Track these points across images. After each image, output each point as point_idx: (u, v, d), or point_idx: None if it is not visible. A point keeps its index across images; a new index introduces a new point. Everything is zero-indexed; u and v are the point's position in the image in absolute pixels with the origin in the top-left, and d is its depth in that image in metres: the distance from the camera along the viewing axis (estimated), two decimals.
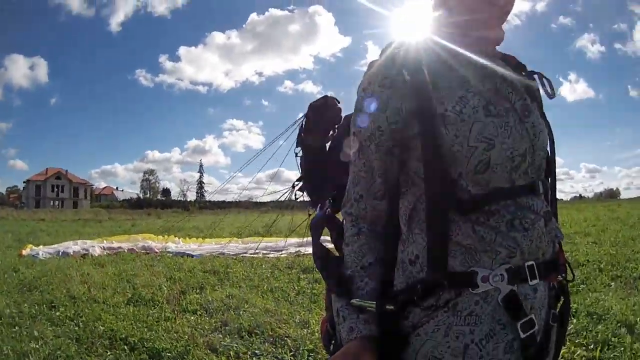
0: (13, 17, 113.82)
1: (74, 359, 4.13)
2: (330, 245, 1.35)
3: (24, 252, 11.49)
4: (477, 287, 1.04)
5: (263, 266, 8.78)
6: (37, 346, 4.33)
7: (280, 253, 10.27)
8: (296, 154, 1.70)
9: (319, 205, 1.50)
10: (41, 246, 12.61)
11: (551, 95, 1.24)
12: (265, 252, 10.44)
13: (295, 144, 1.71)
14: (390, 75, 1.11)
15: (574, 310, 4.80)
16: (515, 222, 1.06)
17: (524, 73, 1.22)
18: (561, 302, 1.23)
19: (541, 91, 1.25)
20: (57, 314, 5.49)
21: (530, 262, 1.07)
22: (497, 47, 1.23)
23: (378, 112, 1.12)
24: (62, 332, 4.77)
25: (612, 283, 6.21)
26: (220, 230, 18.44)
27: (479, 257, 1.05)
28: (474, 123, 1.06)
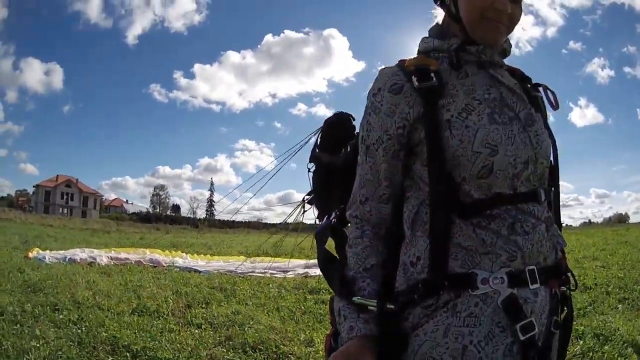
0: (31, 20, 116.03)
1: None
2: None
3: (30, 255, 11.51)
4: (477, 288, 1.06)
5: (270, 285, 8.67)
6: (37, 345, 4.28)
7: (288, 273, 10.18)
8: (309, 169, 1.71)
9: (326, 216, 1.52)
10: (48, 251, 12.63)
11: (555, 106, 1.29)
12: (272, 272, 10.31)
13: (308, 159, 1.71)
14: (400, 82, 1.16)
15: (580, 332, 4.83)
16: (516, 226, 1.08)
17: (529, 85, 1.28)
18: (565, 312, 1.23)
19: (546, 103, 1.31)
20: (61, 316, 5.42)
21: (531, 267, 1.09)
22: (505, 61, 1.27)
23: (386, 116, 1.16)
24: (64, 334, 4.70)
25: (620, 305, 6.16)
26: (229, 249, 18.40)
27: (479, 259, 1.07)
28: (478, 129, 1.10)
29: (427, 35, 1.30)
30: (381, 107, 1.17)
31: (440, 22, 1.31)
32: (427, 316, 1.08)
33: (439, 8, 1.30)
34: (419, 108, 1.13)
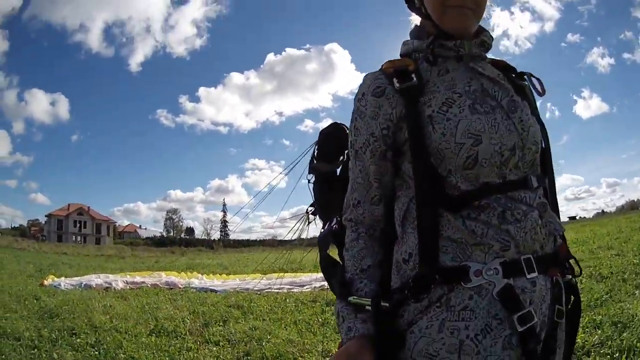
0: (33, 52, 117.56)
1: None
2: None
3: (45, 282, 11.54)
4: (470, 281, 1.05)
5: (287, 300, 8.58)
6: None
7: (304, 287, 10.11)
8: (308, 181, 1.76)
9: (327, 222, 1.55)
10: (63, 277, 12.66)
11: (542, 93, 1.29)
12: (289, 287, 10.25)
13: (307, 171, 1.76)
14: (382, 85, 1.19)
15: (598, 322, 4.77)
16: (506, 214, 1.08)
17: (514, 75, 1.29)
18: (571, 300, 1.22)
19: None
20: (78, 340, 5.41)
21: (526, 255, 1.08)
22: (505, 59, 1.31)
23: (371, 119, 1.19)
24: (82, 357, 4.72)
25: (636, 292, 6.00)
26: (245, 267, 18.37)
27: (470, 251, 1.07)
28: (460, 120, 1.11)
29: (409, 38, 1.33)
30: (366, 111, 1.20)
31: (417, 24, 1.33)
32: (421, 312, 1.08)
33: (414, 14, 1.33)
34: (401, 108, 1.16)
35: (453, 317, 1.04)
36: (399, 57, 1.31)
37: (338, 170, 1.71)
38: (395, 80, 1.17)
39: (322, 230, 1.69)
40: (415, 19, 1.35)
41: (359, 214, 1.26)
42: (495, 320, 1.03)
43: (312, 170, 1.73)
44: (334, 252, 1.41)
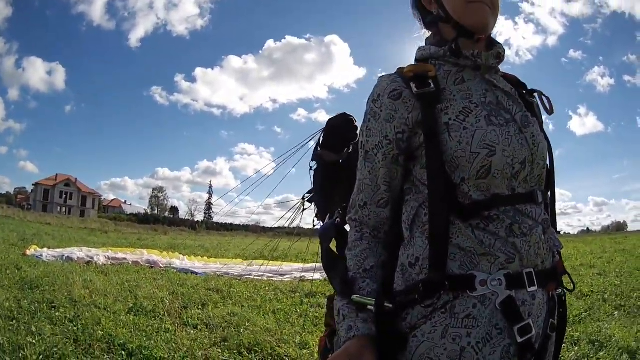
0: (35, 20, 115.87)
1: (69, 357, 4.04)
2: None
3: (27, 252, 11.51)
4: (475, 290, 1.07)
5: (266, 288, 8.65)
6: (33, 341, 4.26)
7: (284, 277, 10.16)
8: (311, 167, 1.75)
9: (329, 215, 1.56)
10: (45, 248, 12.65)
11: (550, 111, 1.31)
12: (269, 275, 10.32)
13: (311, 157, 1.76)
14: (399, 88, 1.18)
15: (575, 338, 4.90)
16: (514, 227, 1.09)
17: (524, 91, 1.31)
18: (558, 312, 1.24)
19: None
20: (57, 314, 5.41)
21: (528, 269, 1.10)
22: (506, 69, 1.31)
23: (386, 122, 1.19)
24: (60, 332, 4.69)
25: (616, 312, 6.16)
26: (226, 252, 18.39)
27: (478, 260, 1.08)
28: (476, 131, 1.12)
29: (425, 44, 1.33)
30: (381, 113, 1.19)
31: (435, 31, 1.34)
32: (425, 317, 1.09)
33: (428, 30, 1.36)
34: (417, 113, 1.16)
35: (456, 324, 1.06)
36: (416, 63, 1.30)
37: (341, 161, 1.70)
38: (413, 84, 1.18)
39: (316, 217, 1.72)
40: (426, 34, 1.37)
41: (365, 216, 1.26)
42: (496, 329, 1.05)
43: (315, 157, 1.72)
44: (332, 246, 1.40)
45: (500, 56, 1.26)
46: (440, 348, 1.06)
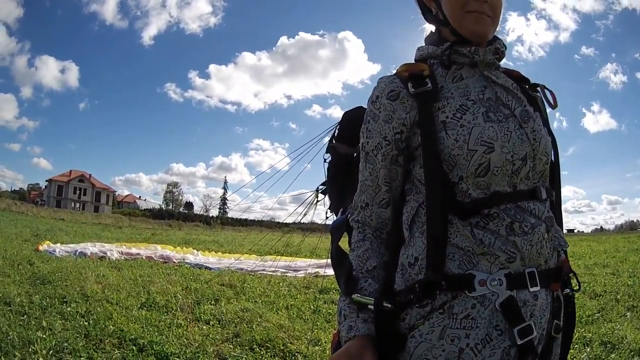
0: (46, 20, 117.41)
1: (80, 352, 4.01)
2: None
3: (40, 248, 11.57)
4: (474, 290, 1.05)
5: (280, 284, 8.60)
6: (44, 336, 4.25)
7: (299, 272, 10.10)
8: (325, 160, 1.74)
9: (341, 210, 1.55)
10: (59, 244, 12.70)
11: (554, 105, 1.30)
12: (283, 270, 10.27)
13: (325, 150, 1.75)
14: (397, 89, 1.19)
15: (587, 339, 4.81)
16: (514, 226, 1.08)
17: (527, 86, 1.30)
18: (564, 312, 1.21)
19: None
20: (68, 309, 5.39)
21: (530, 269, 1.09)
22: (516, 68, 1.31)
23: (384, 123, 1.20)
24: (71, 327, 4.67)
25: (628, 313, 6.01)
26: (240, 247, 18.45)
27: (477, 260, 1.07)
28: (473, 128, 1.11)
29: (424, 44, 1.34)
30: (379, 114, 1.20)
31: (433, 31, 1.35)
32: (423, 317, 1.08)
33: (429, 23, 1.36)
34: (415, 112, 1.17)
35: (455, 325, 1.04)
36: (413, 62, 1.31)
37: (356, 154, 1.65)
38: (410, 84, 1.18)
39: (329, 209, 1.71)
40: (430, 27, 1.37)
41: (367, 216, 1.27)
42: (496, 330, 1.03)
43: (329, 149, 1.72)
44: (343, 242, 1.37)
45: (498, 52, 1.25)
46: (438, 349, 1.05)
